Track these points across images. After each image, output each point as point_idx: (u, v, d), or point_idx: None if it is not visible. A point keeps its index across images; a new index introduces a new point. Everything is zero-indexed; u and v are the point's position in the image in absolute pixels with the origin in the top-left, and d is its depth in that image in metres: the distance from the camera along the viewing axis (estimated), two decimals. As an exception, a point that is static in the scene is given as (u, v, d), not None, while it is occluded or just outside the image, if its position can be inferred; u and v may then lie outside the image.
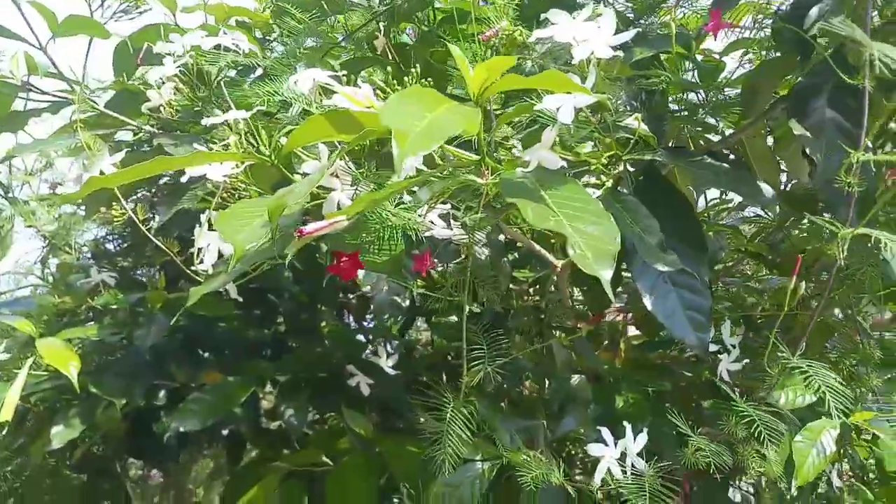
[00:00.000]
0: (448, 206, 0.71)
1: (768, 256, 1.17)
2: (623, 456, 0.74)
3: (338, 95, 0.64)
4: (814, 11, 0.67)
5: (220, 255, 0.69)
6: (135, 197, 1.08)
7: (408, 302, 0.78)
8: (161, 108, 0.88)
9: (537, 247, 0.91)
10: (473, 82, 0.52)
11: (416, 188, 0.62)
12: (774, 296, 1.15)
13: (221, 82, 0.89)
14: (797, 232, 1.19)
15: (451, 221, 0.65)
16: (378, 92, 0.66)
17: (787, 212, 1.10)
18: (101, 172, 0.86)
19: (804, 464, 0.85)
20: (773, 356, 0.98)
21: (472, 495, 0.78)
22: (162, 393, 1.07)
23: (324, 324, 1.27)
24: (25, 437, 1.12)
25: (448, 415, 0.65)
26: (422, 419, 1.07)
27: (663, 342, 1.22)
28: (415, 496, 0.78)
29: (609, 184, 0.61)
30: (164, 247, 0.76)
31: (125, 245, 1.41)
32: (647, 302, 0.70)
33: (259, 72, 1.05)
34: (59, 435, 0.93)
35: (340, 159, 0.66)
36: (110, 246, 1.45)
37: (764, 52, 0.91)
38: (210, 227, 0.69)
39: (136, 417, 1.14)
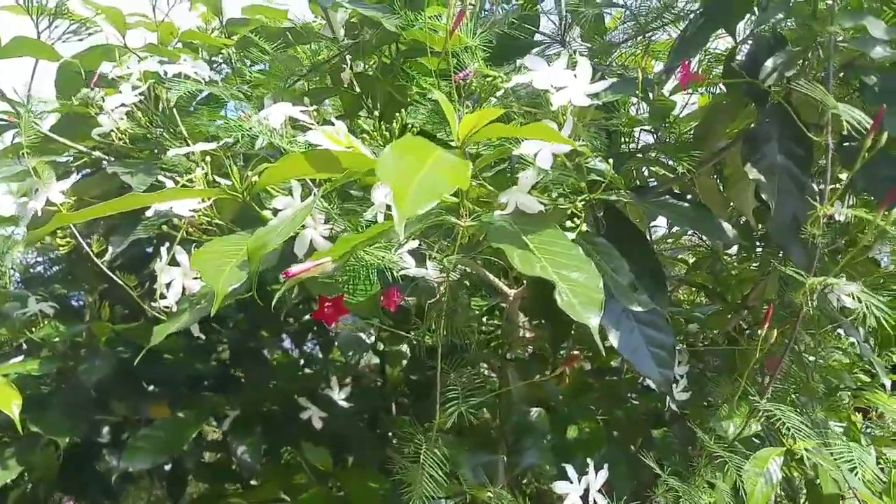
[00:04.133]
0: (417, 243, 0.71)
1: (710, 287, 1.22)
2: (586, 492, 0.75)
3: (312, 132, 0.63)
4: (769, 63, 0.70)
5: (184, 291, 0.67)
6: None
7: (372, 338, 0.77)
8: (112, 135, 0.85)
9: (491, 276, 0.92)
10: (461, 130, 0.52)
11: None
12: (709, 322, 1.20)
13: (175, 110, 0.86)
14: (733, 260, 1.25)
15: (427, 260, 0.65)
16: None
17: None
18: (48, 200, 0.83)
19: (754, 491, 0.88)
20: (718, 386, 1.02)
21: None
22: (105, 429, 1.02)
23: (270, 354, 1.24)
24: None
25: (421, 457, 0.65)
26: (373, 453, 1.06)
27: (610, 370, 1.25)
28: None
29: (584, 227, 0.62)
30: (121, 282, 0.73)
31: (55, 269, 1.35)
32: (612, 338, 0.72)
33: (203, 95, 1.03)
34: (-7, 477, 0.87)
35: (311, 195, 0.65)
36: (39, 269, 1.38)
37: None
38: (172, 262, 0.67)
39: (73, 453, 1.09)
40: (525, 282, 0.95)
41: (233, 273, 0.52)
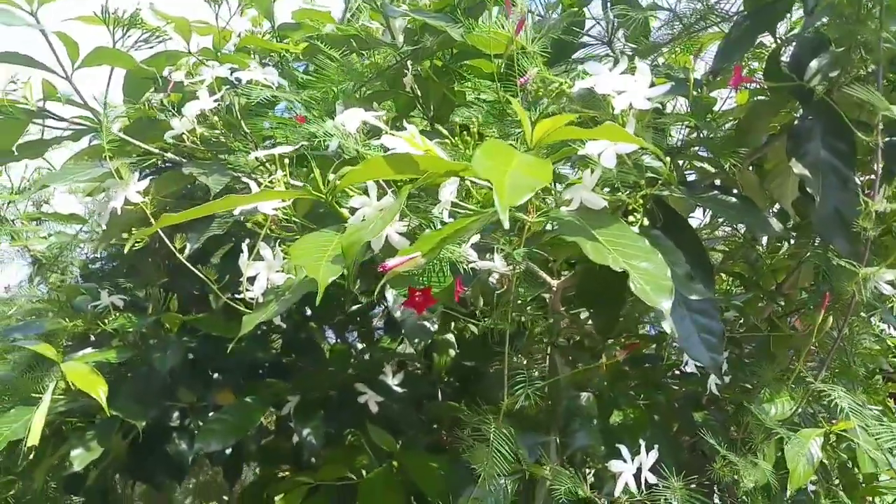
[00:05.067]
0: (478, 237, 0.76)
1: (746, 276, 1.26)
2: (639, 470, 0.80)
3: (387, 137, 0.68)
4: (814, 64, 0.74)
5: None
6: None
7: (436, 325, 0.82)
8: (184, 137, 0.90)
9: (536, 268, 0.97)
10: (536, 133, 0.57)
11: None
12: (746, 309, 1.24)
13: (238, 113, 0.91)
14: (764, 250, 1.29)
15: (495, 253, 0.69)
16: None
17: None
18: (127, 199, 0.88)
19: (797, 469, 0.92)
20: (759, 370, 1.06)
21: (496, 506, 0.82)
22: (175, 414, 1.08)
23: (319, 343, 1.30)
24: (28, 461, 1.11)
25: (491, 436, 0.70)
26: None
27: (648, 357, 1.29)
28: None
29: (645, 221, 0.66)
30: (203, 275, 0.78)
31: (113, 265, 1.41)
32: (666, 326, 0.76)
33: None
34: (80, 457, 0.93)
35: (386, 194, 0.70)
36: (97, 265, 1.45)
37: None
38: (257, 257, 0.72)
39: (138, 438, 1.15)
40: (575, 272, 1.00)
41: (329, 267, 0.57)
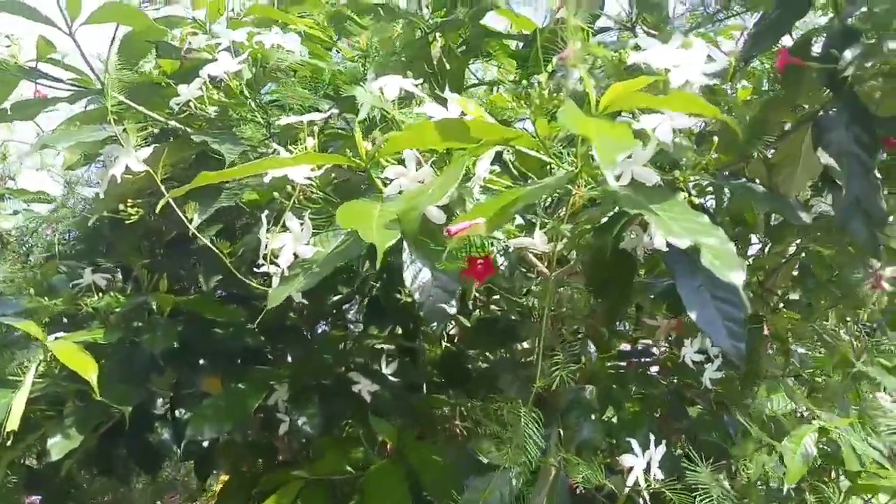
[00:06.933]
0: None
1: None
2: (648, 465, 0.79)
3: (429, 104, 0.66)
4: (847, 55, 0.75)
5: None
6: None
7: (454, 310, 0.79)
8: (190, 104, 0.85)
9: (532, 257, 0.96)
10: (605, 99, 0.55)
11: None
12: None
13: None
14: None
15: (536, 229, 0.68)
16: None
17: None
18: (127, 168, 0.83)
19: (794, 464, 0.94)
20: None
21: (501, 501, 0.80)
22: (159, 401, 1.02)
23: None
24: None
25: (522, 418, 0.68)
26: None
27: (628, 353, 1.30)
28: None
29: (696, 201, 0.66)
30: (216, 248, 0.74)
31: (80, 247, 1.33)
32: (692, 313, 0.75)
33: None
34: (58, 446, 0.86)
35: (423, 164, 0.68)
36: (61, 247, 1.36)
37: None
38: (283, 229, 0.68)
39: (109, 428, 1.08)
40: (577, 260, 0.99)
41: (384, 232, 0.54)
